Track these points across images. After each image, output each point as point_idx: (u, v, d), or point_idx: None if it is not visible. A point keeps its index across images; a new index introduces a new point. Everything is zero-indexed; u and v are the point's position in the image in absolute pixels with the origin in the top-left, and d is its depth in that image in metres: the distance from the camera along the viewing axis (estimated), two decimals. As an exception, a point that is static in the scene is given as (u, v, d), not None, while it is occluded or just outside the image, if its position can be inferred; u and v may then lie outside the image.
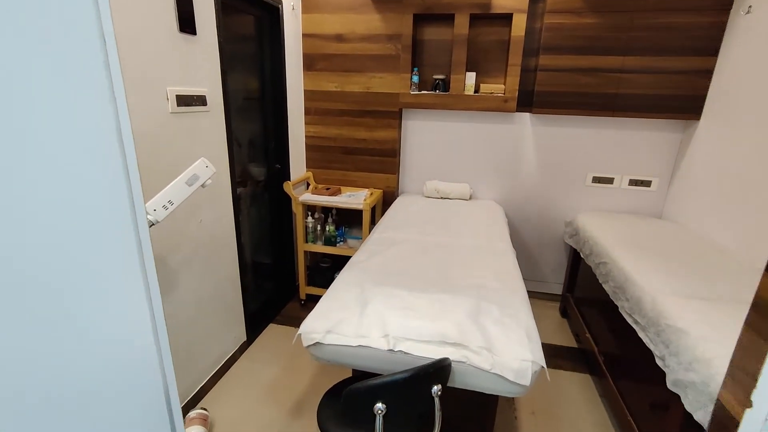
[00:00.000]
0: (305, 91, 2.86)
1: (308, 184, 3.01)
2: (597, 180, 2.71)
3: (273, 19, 2.43)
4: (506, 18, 2.50)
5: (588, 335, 2.27)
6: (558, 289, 3.00)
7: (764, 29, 1.93)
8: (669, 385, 1.33)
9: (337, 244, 2.78)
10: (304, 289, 2.86)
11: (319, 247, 2.77)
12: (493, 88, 2.59)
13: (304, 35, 2.74)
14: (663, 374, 1.39)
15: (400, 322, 1.24)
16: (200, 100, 1.75)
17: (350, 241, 2.79)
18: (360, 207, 2.57)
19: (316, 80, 2.81)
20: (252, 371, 2.22)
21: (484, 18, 2.54)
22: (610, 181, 2.69)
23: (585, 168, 2.71)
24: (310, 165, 3.02)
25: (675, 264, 1.81)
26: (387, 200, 2.94)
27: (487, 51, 2.64)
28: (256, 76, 2.48)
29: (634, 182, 2.66)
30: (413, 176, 2.98)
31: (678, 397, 1.28)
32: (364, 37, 2.66)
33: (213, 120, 1.87)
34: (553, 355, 2.43)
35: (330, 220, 2.79)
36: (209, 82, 1.82)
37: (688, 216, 2.41)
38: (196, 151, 1.75)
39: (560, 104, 2.47)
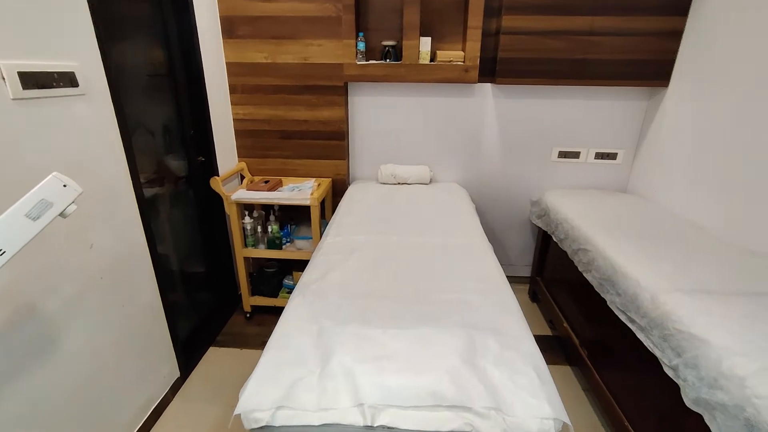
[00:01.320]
0: (228, 63, 2.33)
1: (242, 177, 2.53)
2: (563, 155, 2.52)
3: (173, -31, 1.87)
4: (463, -29, 2.15)
5: (565, 324, 2.12)
6: (526, 272, 2.85)
7: (740, -16, 1.76)
8: (688, 403, 1.15)
9: (283, 246, 2.38)
10: (249, 300, 2.44)
11: (262, 252, 2.35)
12: (452, 55, 2.25)
13: (218, -8, 2.20)
14: (663, 373, 1.23)
15: (377, 380, 0.92)
16: (66, 79, 1.23)
17: (298, 242, 2.39)
18: (307, 202, 2.17)
19: (240, 50, 2.30)
20: (190, 414, 1.81)
21: (438, -29, 2.17)
22: (576, 155, 2.52)
23: (550, 143, 2.50)
24: (242, 154, 2.53)
25: (661, 249, 1.65)
26: (337, 190, 2.56)
27: (443, 12, 2.28)
28: (159, 46, 1.93)
29: (600, 155, 2.51)
30: (366, 160, 2.61)
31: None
32: (296, -6, 2.17)
33: (92, 106, 1.35)
34: (530, 347, 2.27)
35: (272, 218, 2.37)
36: (80, 54, 1.30)
37: (654, 190, 2.30)
38: (63, 155, 1.25)
39: (526, 72, 2.20)
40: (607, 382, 1.71)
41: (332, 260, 1.55)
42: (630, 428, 1.50)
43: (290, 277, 2.52)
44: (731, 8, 1.80)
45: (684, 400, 1.17)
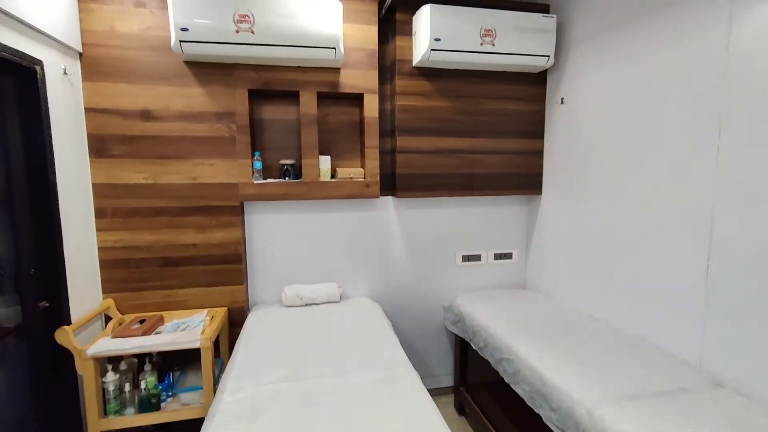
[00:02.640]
0: (95, 185, 1.99)
1: (107, 319, 2.02)
2: (466, 258, 2.62)
3: (27, 87, 1.61)
4: (356, 98, 2.30)
5: (502, 444, 1.96)
6: (448, 381, 2.69)
7: (576, 116, 2.19)
8: None
9: (163, 404, 1.86)
10: (107, 492, 1.77)
11: (131, 419, 1.79)
12: (352, 172, 2.28)
13: (87, 110, 1.95)
14: None
15: None
16: None
17: (185, 396, 1.90)
18: (196, 344, 1.77)
19: (113, 170, 2.00)
20: None
21: (333, 97, 2.29)
22: (478, 258, 2.64)
23: (454, 248, 2.60)
24: (110, 289, 2.06)
25: (576, 350, 1.69)
26: (235, 320, 2.20)
27: (340, 132, 2.37)
28: (-6, 169, 1.55)
29: (498, 256, 2.67)
30: (267, 282, 2.34)
31: None
32: (184, 114, 2.04)
33: None
34: (470, 478, 2.02)
35: (148, 367, 1.87)
36: None
37: (547, 284, 2.49)
38: None
39: (423, 186, 2.32)
40: None
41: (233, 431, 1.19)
42: None
43: (172, 443, 1.95)
44: (572, 135, 2.20)
45: None
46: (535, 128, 2.44)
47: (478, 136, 2.35)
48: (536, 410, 1.57)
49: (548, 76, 2.40)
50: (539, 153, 2.47)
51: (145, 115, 2.00)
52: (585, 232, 2.14)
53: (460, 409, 2.53)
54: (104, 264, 2.03)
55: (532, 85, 2.39)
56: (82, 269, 1.90)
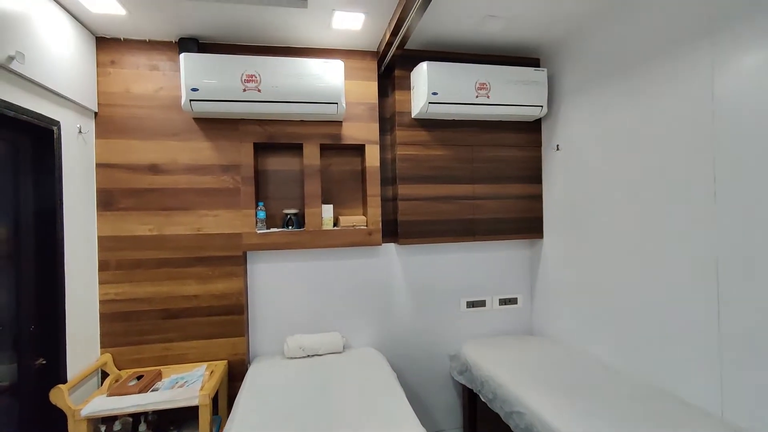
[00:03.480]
0: (100, 238, 2.02)
1: (104, 375, 1.97)
2: (471, 304, 2.58)
3: (43, 145, 1.68)
4: (358, 149, 2.38)
5: (519, 508, 1.82)
6: (457, 437, 2.56)
7: (572, 161, 2.24)
8: None
9: (157, 468, 1.76)
10: None
11: (123, 485, 1.69)
12: (354, 220, 2.31)
13: (98, 166, 2.02)
14: None
15: None
16: None
17: (179, 458, 1.80)
18: (195, 402, 1.71)
19: (119, 223, 2.03)
20: None
21: (335, 148, 2.36)
22: (482, 303, 2.59)
23: (458, 294, 2.56)
24: (109, 344, 2.02)
25: (587, 403, 1.61)
26: (235, 374, 2.13)
27: (342, 181, 2.42)
28: (2, 221, 1.58)
29: (503, 301, 2.63)
30: (269, 333, 2.30)
31: None
32: (191, 168, 2.11)
33: None
34: None
35: (143, 427, 1.79)
36: None
37: (554, 329, 2.43)
38: None
39: (425, 233, 2.34)
40: None
41: (228, 501, 1.12)
42: None
43: None
44: (569, 180, 2.24)
45: None
46: (533, 173, 2.49)
47: (477, 183, 2.40)
48: (553, 469, 1.48)
49: (543, 124, 2.49)
50: (539, 197, 2.51)
51: (153, 168, 2.07)
52: (589, 276, 2.12)
53: (472, 467, 2.37)
54: (104, 317, 2.01)
55: (528, 133, 2.48)
56: (82, 324, 1.87)
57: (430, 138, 2.34)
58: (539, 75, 2.27)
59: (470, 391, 2.29)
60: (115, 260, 2.03)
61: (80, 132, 1.87)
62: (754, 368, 1.36)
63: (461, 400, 2.51)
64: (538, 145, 2.50)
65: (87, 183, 1.95)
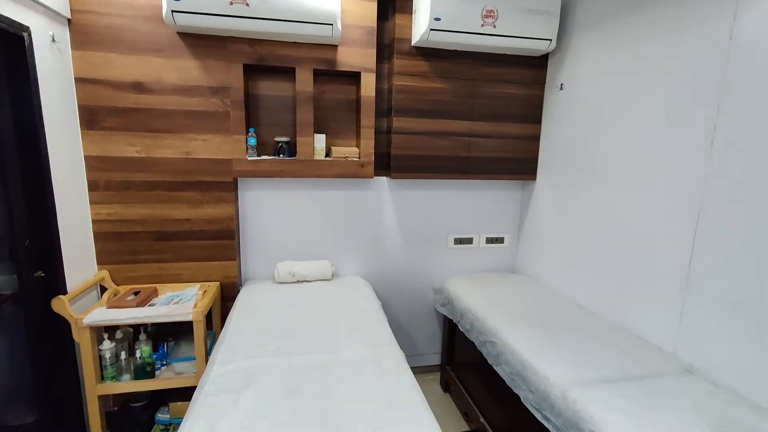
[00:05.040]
0: (87, 157, 1.98)
1: (102, 289, 2.06)
2: (458, 241, 2.65)
3: (14, 55, 1.58)
4: (353, 77, 2.26)
5: (482, 420, 2.05)
6: (435, 360, 2.79)
7: (574, 103, 2.17)
8: None
9: (158, 372, 1.92)
10: (104, 452, 1.86)
11: (126, 385, 1.86)
12: (347, 151, 2.28)
13: (78, 80, 1.92)
14: None
15: None
16: None
17: (178, 365, 1.96)
18: (189, 317, 1.82)
19: (105, 143, 1.99)
20: None
21: (329, 75, 2.25)
22: (470, 241, 2.67)
23: (446, 230, 2.63)
24: (104, 261, 2.09)
25: (558, 336, 1.74)
26: (227, 295, 2.24)
27: (336, 110, 2.34)
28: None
29: (490, 240, 2.70)
30: (260, 258, 2.38)
31: None
32: (178, 88, 2.01)
33: None
34: (450, 450, 2.13)
35: (143, 337, 1.92)
36: None
37: (537, 269, 2.53)
38: None
39: (418, 168, 2.32)
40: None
41: (220, 402, 1.25)
42: None
43: (165, 409, 2.03)
44: (570, 121, 2.19)
45: None
46: (533, 113, 2.42)
47: (475, 119, 2.33)
48: (515, 391, 1.64)
49: (549, 60, 2.36)
50: (536, 138, 2.46)
51: (138, 87, 1.97)
52: (576, 219, 2.16)
53: (446, 386, 2.62)
54: (98, 236, 2.05)
55: (533, 69, 2.36)
56: (77, 241, 1.92)
57: (429, 69, 2.22)
58: (552, 4, 2.09)
59: (450, 321, 2.45)
60: (104, 181, 2.02)
61: (54, 41, 1.74)
62: (711, 317, 1.45)
63: (442, 329, 2.70)
64: (541, 83, 2.39)
65: (67, 99, 1.87)
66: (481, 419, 2.06)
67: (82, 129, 1.96)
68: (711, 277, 1.46)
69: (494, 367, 1.82)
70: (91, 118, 1.96)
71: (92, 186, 2.01)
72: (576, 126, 2.15)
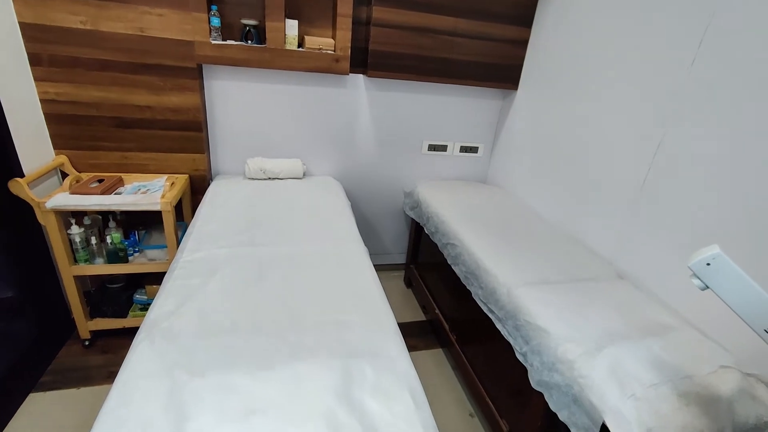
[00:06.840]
0: (23, 24, 1.75)
1: (63, 175, 2.01)
2: (432, 148, 2.64)
3: None
4: (330, -49, 1.98)
5: (437, 311, 2.29)
6: (400, 259, 2.98)
7: (571, 6, 2.01)
8: (533, 384, 1.33)
9: (131, 258, 1.99)
10: (86, 325, 2.00)
11: (100, 267, 1.93)
12: (321, 42, 2.10)
13: (-3, -76, 1.60)
14: (515, 357, 1.41)
15: (245, 445, 0.81)
16: None
17: (150, 252, 2.03)
18: (157, 207, 1.83)
19: (42, 9, 1.74)
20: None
21: (303, -54, 1.96)
22: (444, 148, 2.66)
23: (421, 136, 2.59)
24: (61, 145, 1.99)
25: (514, 243, 1.86)
26: (197, 188, 2.23)
27: (310, -7, 2.09)
28: None
29: (464, 149, 2.70)
30: (230, 153, 2.32)
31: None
32: (122, -55, 1.72)
33: None
34: (406, 334, 2.39)
35: (113, 224, 1.94)
36: None
37: (508, 180, 2.60)
38: None
39: (397, 67, 2.19)
40: (471, 363, 1.90)
41: (189, 285, 1.33)
42: (490, 403, 1.70)
43: (142, 290, 2.15)
44: (565, 27, 2.05)
45: (530, 382, 1.35)
46: (525, 13, 2.24)
47: (461, 16, 2.15)
48: (468, 287, 1.80)
49: (551, -50, 2.11)
50: (524, 43, 2.32)
51: (73, -61, 1.67)
52: (548, 134, 2.16)
53: (408, 282, 2.85)
54: (50, 118, 1.92)
55: (532, -41, 2.12)
56: (26, 121, 1.79)
57: (417, -52, 1.96)
58: None
59: (417, 224, 2.56)
60: (47, 55, 1.82)
61: None
62: (647, 231, 1.57)
63: (409, 231, 2.83)
64: (539, -23, 2.17)
65: (-12, -53, 1.58)
66: (436, 311, 2.29)
67: (12, -11, 1.69)
68: (657, 198, 1.54)
69: (452, 267, 1.97)
70: (20, -24, 1.68)
71: (34, 60, 1.81)
72: (568, 34, 2.02)
